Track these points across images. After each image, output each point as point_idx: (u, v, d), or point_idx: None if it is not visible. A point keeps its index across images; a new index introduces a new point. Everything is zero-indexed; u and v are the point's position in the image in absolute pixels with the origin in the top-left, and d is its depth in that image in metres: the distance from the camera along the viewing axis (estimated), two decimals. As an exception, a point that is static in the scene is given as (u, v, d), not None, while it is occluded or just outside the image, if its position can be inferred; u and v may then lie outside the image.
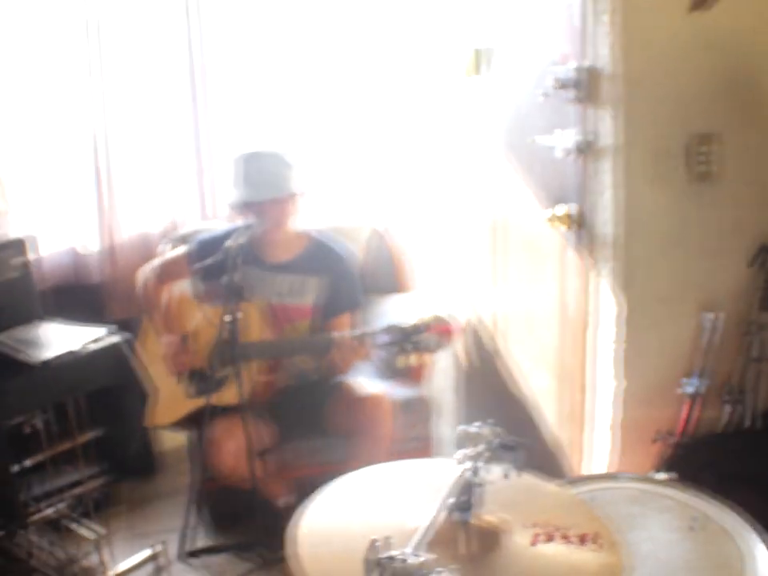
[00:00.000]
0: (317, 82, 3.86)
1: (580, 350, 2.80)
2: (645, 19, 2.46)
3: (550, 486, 1.75)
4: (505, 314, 3.28)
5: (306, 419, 3.00)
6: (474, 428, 1.58)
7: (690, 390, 2.69)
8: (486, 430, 1.58)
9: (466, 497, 1.54)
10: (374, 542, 1.28)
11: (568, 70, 2.65)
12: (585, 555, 1.53)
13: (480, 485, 1.54)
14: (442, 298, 3.57)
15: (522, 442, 1.58)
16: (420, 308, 3.24)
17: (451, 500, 1.53)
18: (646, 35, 2.47)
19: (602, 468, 2.79)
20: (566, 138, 2.70)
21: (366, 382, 3.05)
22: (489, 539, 1.56)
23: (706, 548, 1.86)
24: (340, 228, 3.50)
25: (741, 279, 2.73)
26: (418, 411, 3.25)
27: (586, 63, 2.59)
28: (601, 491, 2.03)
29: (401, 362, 2.57)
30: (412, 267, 3.76)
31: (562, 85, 2.67)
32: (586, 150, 2.65)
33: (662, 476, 2.31)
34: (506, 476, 1.56)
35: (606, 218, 2.61)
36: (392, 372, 3.20)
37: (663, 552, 1.84)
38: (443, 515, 1.51)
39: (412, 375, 3.30)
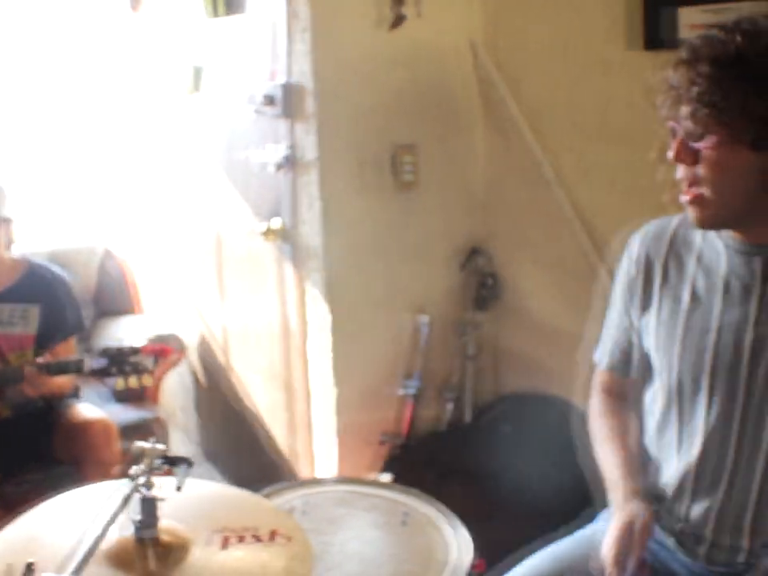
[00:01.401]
0: (30, 100, 3.73)
1: (302, 361, 2.85)
2: (337, 37, 2.55)
3: (239, 493, 1.77)
4: (233, 329, 3.29)
5: (29, 450, 2.88)
6: (146, 444, 1.58)
7: (410, 391, 2.80)
8: (156, 446, 1.58)
9: (146, 513, 1.53)
10: (29, 565, 1.26)
11: (275, 86, 2.70)
12: (275, 550, 1.56)
13: (156, 499, 1.54)
14: (172, 317, 3.53)
15: (186, 458, 1.60)
16: (147, 329, 3.20)
17: (134, 518, 1.51)
18: (339, 52, 2.56)
19: (332, 473, 2.84)
20: (276, 153, 2.75)
21: (90, 407, 2.97)
22: (177, 551, 1.56)
23: (413, 540, 1.93)
24: (70, 250, 3.40)
25: (454, 282, 2.87)
26: (152, 432, 3.19)
27: (290, 80, 2.65)
28: (308, 496, 2.06)
29: (119, 384, 2.54)
30: (143, 287, 3.70)
31: (270, 101, 2.73)
32: (293, 163, 2.71)
33: (385, 477, 2.39)
34: (178, 489, 1.57)
35: (315, 229, 2.68)
36: (120, 395, 3.13)
37: (370, 548, 1.89)
38: (121, 534, 1.49)
39: (145, 396, 3.24)
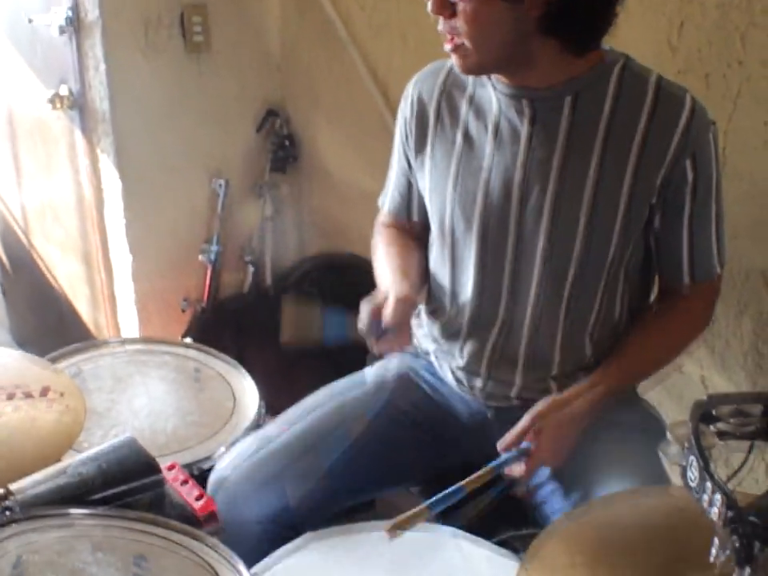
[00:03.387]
0: None
1: (98, 231, 2.78)
2: None
3: (12, 353, 1.73)
4: (31, 207, 3.16)
5: None
6: None
7: (210, 256, 2.77)
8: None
9: None
10: None
11: (49, -59, 2.54)
12: (46, 405, 1.55)
13: None
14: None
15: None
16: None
17: None
18: None
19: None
20: (60, 15, 2.61)
21: None
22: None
23: (202, 394, 1.94)
24: None
25: (251, 144, 2.83)
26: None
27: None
28: (97, 358, 2.04)
29: None
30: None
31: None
32: (77, 25, 2.59)
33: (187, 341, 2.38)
34: None
35: (102, 94, 2.58)
36: None
37: (157, 404, 1.89)
38: None
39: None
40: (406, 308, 1.51)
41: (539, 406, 1.52)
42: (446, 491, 1.39)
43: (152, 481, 1.27)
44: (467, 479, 1.41)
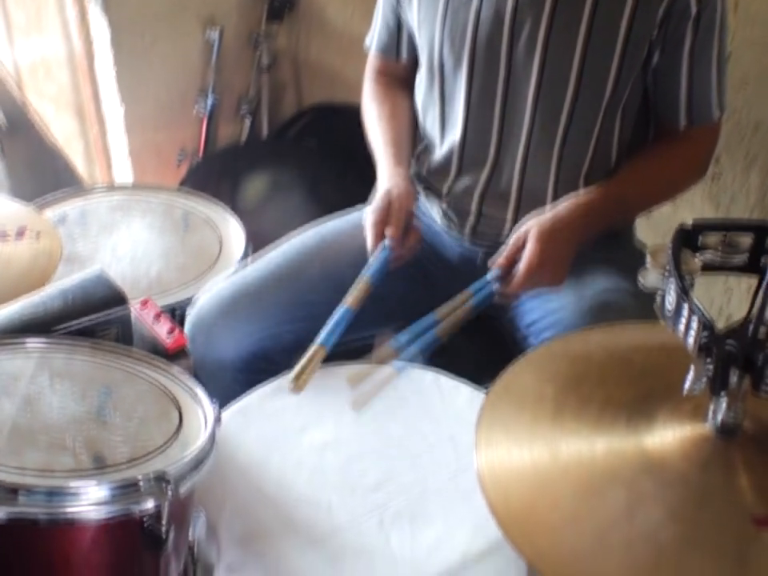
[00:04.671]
0: None
1: (89, 83, 2.69)
2: None
3: None
4: (23, 63, 3.07)
5: None
6: None
7: (205, 107, 2.70)
8: None
9: None
10: None
11: None
12: (21, 246, 1.53)
13: None
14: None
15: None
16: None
17: None
18: None
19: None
20: None
21: None
22: None
23: (189, 238, 1.90)
24: None
25: (243, -8, 2.72)
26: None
27: None
28: (84, 205, 2.00)
29: None
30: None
31: None
32: None
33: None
34: None
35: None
36: None
37: (142, 248, 1.86)
38: None
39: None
40: (409, 215, 1.51)
41: (524, 221, 1.47)
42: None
43: (119, 313, 1.24)
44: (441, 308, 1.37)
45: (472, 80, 1.51)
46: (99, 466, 0.95)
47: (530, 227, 1.43)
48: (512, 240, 1.45)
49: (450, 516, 1.15)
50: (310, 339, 1.43)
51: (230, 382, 1.45)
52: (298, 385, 1.25)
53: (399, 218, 1.50)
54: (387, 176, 1.59)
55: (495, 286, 1.42)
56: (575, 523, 0.88)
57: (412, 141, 1.67)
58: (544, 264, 1.41)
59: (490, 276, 1.44)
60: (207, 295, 1.59)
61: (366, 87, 1.76)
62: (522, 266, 1.41)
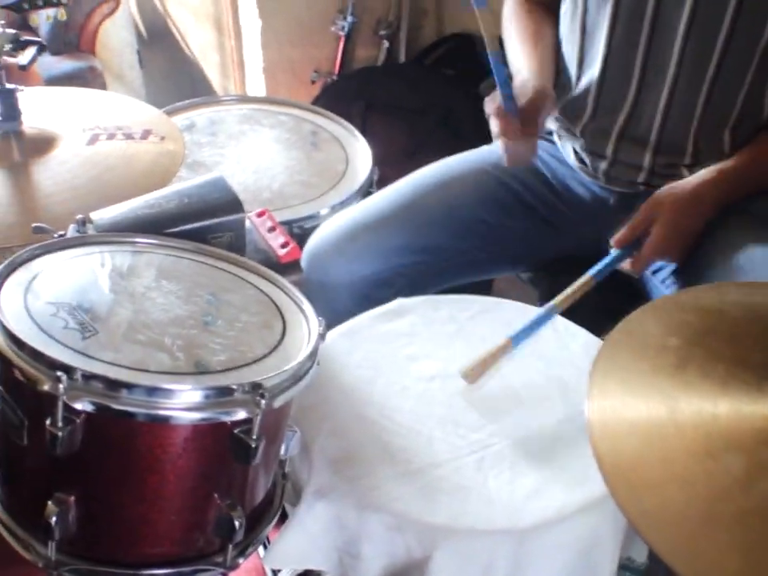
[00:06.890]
0: None
1: (231, -2, 2.67)
2: None
3: (117, 96, 1.71)
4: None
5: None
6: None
7: (343, 27, 2.65)
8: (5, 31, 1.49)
9: (6, 105, 1.48)
10: None
11: None
12: (145, 146, 1.53)
13: (16, 90, 1.49)
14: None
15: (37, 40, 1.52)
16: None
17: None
18: None
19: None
20: None
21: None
22: (42, 145, 1.52)
23: (315, 155, 1.87)
24: None
25: None
26: (87, 82, 3.08)
27: None
28: (213, 114, 1.98)
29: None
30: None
31: None
32: None
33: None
34: (23, 68, 1.50)
35: None
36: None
37: (266, 161, 1.84)
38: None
39: (81, 48, 3.11)
40: (544, 101, 1.38)
41: (657, 193, 1.37)
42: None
43: (233, 219, 1.21)
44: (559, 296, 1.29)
45: (617, 12, 1.39)
46: (196, 371, 0.92)
47: (664, 198, 1.35)
48: (641, 211, 1.36)
49: (551, 465, 1.10)
50: (424, 277, 1.38)
51: (342, 309, 1.42)
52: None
53: (536, 95, 1.38)
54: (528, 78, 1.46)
55: (620, 265, 1.34)
56: (686, 486, 0.81)
57: (555, 67, 1.54)
58: (677, 238, 1.34)
59: (613, 254, 1.35)
60: (327, 225, 1.56)
61: (508, 8, 1.65)
62: (654, 238, 1.33)
